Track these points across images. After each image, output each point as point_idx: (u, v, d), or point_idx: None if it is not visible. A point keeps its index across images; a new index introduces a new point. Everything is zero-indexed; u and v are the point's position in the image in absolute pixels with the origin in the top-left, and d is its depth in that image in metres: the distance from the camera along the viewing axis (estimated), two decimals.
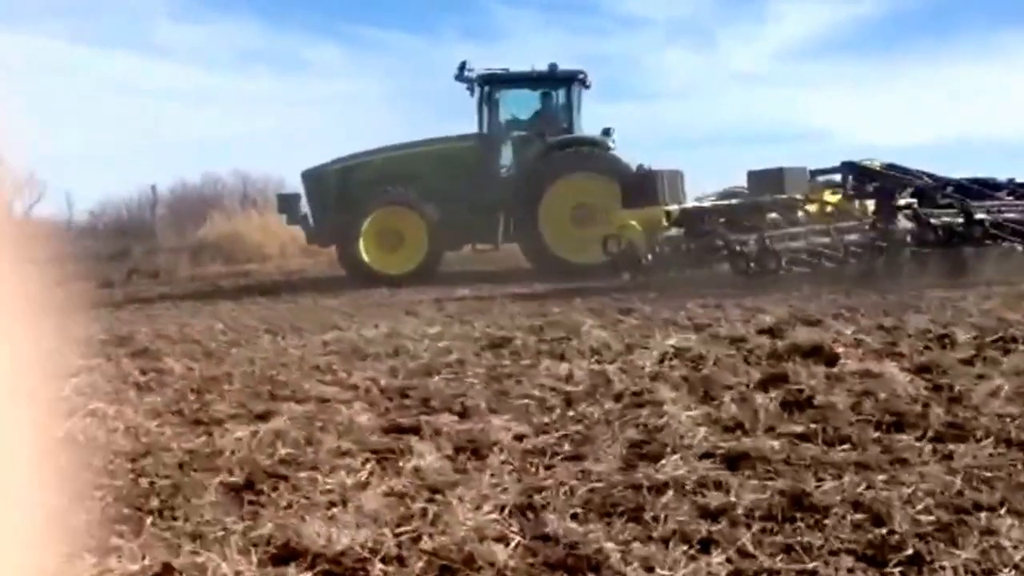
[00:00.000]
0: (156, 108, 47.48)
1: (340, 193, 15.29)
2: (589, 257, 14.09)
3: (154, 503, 3.28)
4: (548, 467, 3.61)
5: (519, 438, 4.06)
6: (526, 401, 4.75)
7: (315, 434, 4.18)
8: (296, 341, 7.48)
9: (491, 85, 15.66)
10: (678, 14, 52.31)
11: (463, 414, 4.56)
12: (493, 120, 15.64)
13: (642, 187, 12.94)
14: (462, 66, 15.68)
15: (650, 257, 11.97)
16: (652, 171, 13.65)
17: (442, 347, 6.63)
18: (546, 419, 4.40)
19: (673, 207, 12.49)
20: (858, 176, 12.38)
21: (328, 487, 3.38)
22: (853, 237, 11.57)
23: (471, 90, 15.78)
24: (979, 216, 11.40)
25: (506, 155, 15.68)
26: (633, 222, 12.28)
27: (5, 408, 1.36)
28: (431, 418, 4.44)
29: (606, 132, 15.76)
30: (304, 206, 15.74)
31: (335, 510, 3.11)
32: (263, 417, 4.60)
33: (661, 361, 5.63)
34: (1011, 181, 12.61)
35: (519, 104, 16.10)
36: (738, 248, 11.49)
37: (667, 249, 12.04)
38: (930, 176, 12.41)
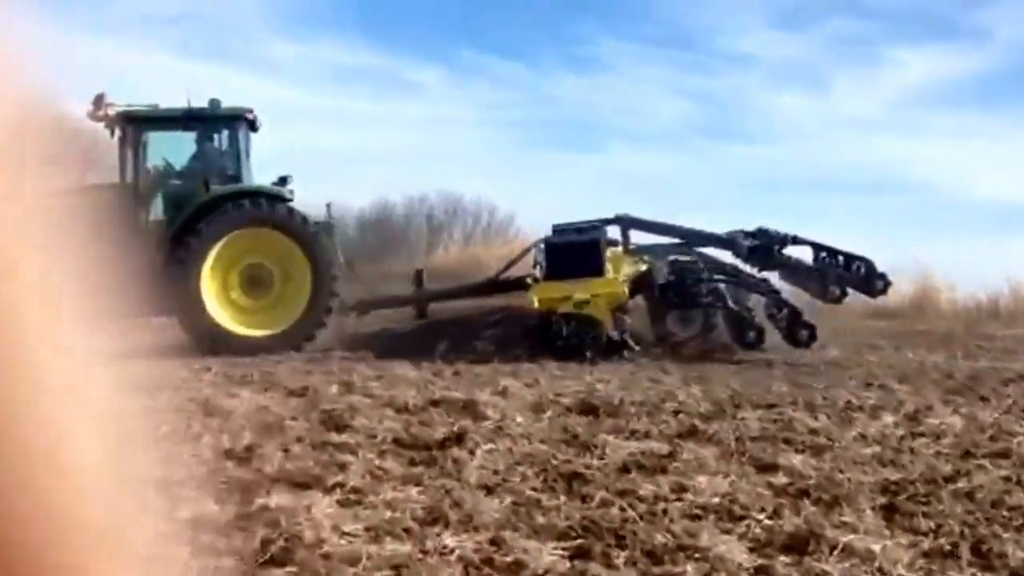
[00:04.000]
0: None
1: None
2: (264, 328, 12.89)
3: None
4: None
5: None
6: None
7: None
8: None
9: (134, 125, 13.27)
10: (788, 54, 49.39)
11: None
12: (139, 166, 13.27)
13: (581, 254, 12.05)
14: (98, 100, 13.19)
15: (627, 337, 11.51)
16: (592, 235, 12.72)
17: None
18: None
19: (623, 273, 12.11)
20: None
21: None
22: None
23: (110, 130, 13.46)
24: None
25: (157, 208, 13.40)
26: (595, 296, 11.55)
27: None
28: None
29: (282, 181, 14.02)
30: None
31: None
32: None
33: None
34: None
35: (172, 147, 13.81)
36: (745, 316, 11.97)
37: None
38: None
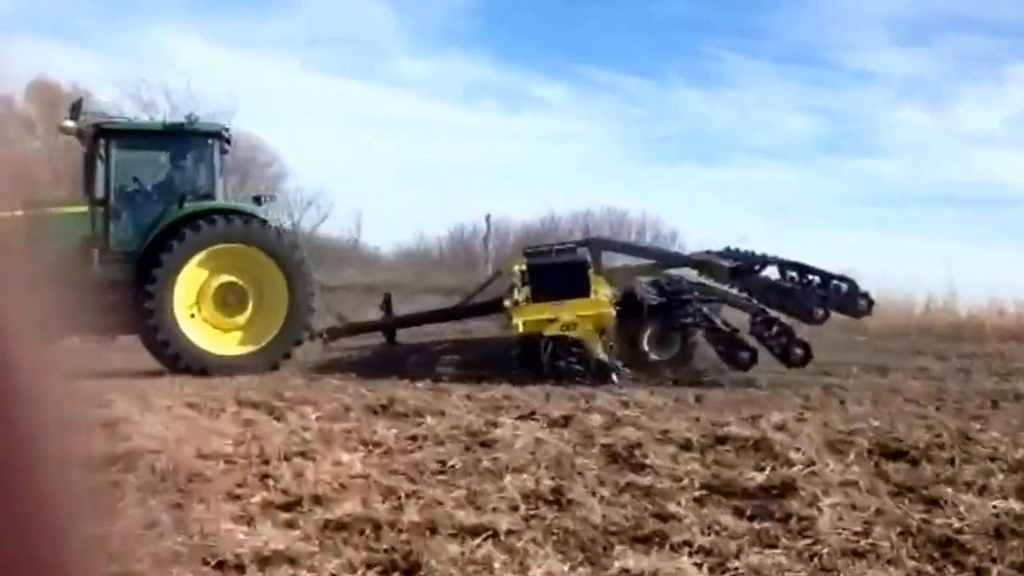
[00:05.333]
0: (388, 136, 51.83)
1: None
2: (237, 347, 12.89)
3: None
4: None
5: None
6: None
7: None
8: None
9: (108, 138, 12.95)
10: (914, 71, 49.90)
11: None
12: (110, 181, 12.93)
13: (566, 275, 11.86)
14: (75, 108, 12.95)
15: (618, 364, 11.30)
16: (577, 256, 12.76)
17: None
18: None
19: (604, 294, 11.93)
20: None
21: None
22: None
23: (85, 143, 13.13)
24: None
25: (128, 225, 13.07)
26: (582, 318, 11.37)
27: None
28: None
29: (258, 200, 14.17)
30: None
31: None
32: None
33: None
34: None
35: (145, 163, 13.61)
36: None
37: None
38: None
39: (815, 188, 54.16)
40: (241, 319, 12.97)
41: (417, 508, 5.20)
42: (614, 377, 11.34)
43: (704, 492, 5.70)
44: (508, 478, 5.73)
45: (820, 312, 13.19)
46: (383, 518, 4.99)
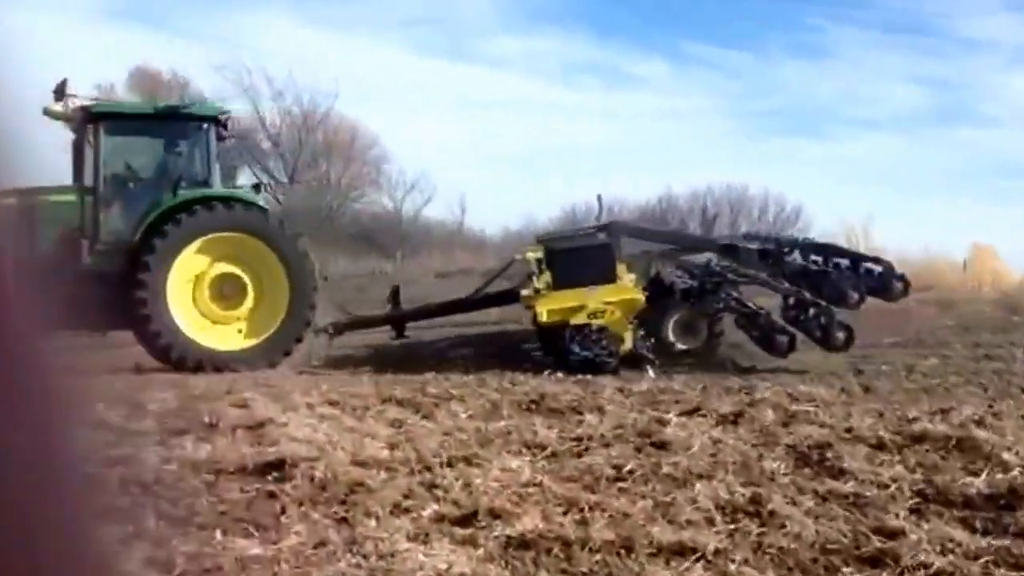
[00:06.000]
0: (486, 116, 50.12)
1: None
2: (235, 341, 12.05)
3: None
4: None
5: None
6: None
7: None
8: None
9: (98, 122, 11.95)
10: None
11: None
12: (100, 168, 11.93)
13: (591, 260, 11.28)
14: (59, 89, 11.92)
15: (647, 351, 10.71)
16: (602, 239, 12.18)
17: None
18: None
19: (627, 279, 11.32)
20: None
21: None
22: None
23: (74, 128, 12.24)
24: None
25: (119, 213, 12.19)
26: (610, 305, 10.84)
27: None
28: None
29: (256, 188, 13.29)
30: None
31: None
32: None
33: None
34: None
35: (137, 148, 12.72)
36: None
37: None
38: None
39: (925, 160, 51.90)
40: (239, 312, 12.13)
41: (604, 522, 4.67)
42: (650, 371, 10.79)
43: (919, 501, 5.11)
44: (698, 486, 5.16)
45: (855, 296, 12.45)
46: (570, 535, 4.46)
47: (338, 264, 28.04)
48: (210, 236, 11.88)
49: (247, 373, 10.46)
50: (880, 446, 6.04)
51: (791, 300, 12.43)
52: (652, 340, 11.64)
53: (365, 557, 4.18)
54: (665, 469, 5.47)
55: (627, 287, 11.40)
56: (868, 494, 5.15)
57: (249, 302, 12.12)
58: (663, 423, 6.35)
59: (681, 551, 4.34)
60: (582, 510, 4.81)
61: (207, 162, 12.53)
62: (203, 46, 58.13)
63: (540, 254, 12.14)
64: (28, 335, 0.71)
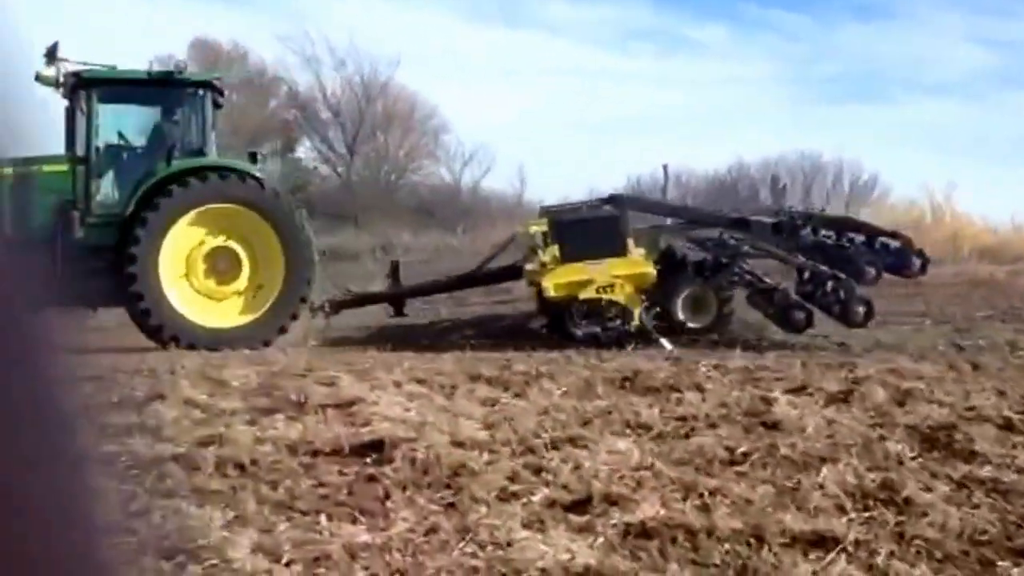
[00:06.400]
0: (542, 84, 49.13)
1: None
2: (230, 318, 11.58)
3: None
4: None
5: None
6: None
7: None
8: None
9: (90, 88, 11.44)
10: None
11: None
12: (92, 136, 11.44)
13: (598, 232, 10.89)
14: (51, 52, 11.36)
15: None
16: (609, 210, 11.67)
17: None
18: None
19: (636, 252, 10.82)
20: None
21: None
22: None
23: (65, 94, 11.68)
24: None
25: (111, 184, 11.72)
26: (619, 279, 10.42)
27: None
28: None
29: (253, 157, 12.70)
30: None
31: None
32: None
33: None
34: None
35: (130, 116, 12.26)
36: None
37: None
38: None
39: (996, 125, 49.80)
40: (233, 288, 11.65)
41: (728, 509, 4.37)
42: (665, 343, 10.37)
43: None
44: (824, 471, 4.82)
45: (872, 272, 11.96)
46: (694, 523, 4.15)
47: (401, 238, 27.86)
48: (203, 208, 11.41)
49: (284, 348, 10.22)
50: (1008, 426, 5.65)
51: (806, 275, 12.11)
52: (658, 317, 11.27)
53: (480, 546, 3.92)
54: (783, 451, 5.13)
55: (638, 260, 11.05)
56: (1006, 479, 4.78)
57: (243, 278, 11.68)
58: (769, 402, 5.99)
59: (817, 541, 4.03)
60: (701, 495, 4.50)
61: (203, 130, 12.08)
62: (266, 15, 57.83)
63: (544, 227, 11.68)
64: (17, 311, 0.70)
